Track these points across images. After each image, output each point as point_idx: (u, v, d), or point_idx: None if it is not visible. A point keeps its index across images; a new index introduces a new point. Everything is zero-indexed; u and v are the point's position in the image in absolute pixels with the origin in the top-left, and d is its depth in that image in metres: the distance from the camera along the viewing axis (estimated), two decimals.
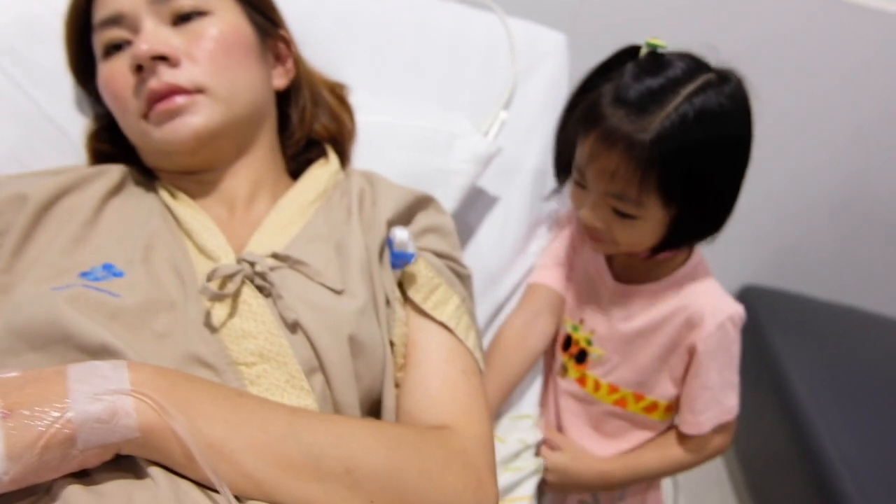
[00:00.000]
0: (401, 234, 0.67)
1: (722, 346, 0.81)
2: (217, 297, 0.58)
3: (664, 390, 0.86)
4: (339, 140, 0.84)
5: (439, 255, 0.71)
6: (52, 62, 0.79)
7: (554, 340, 0.94)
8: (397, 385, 0.66)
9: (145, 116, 0.67)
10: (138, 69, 0.66)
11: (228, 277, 0.59)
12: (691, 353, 0.82)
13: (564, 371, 0.92)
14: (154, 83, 0.65)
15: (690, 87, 0.69)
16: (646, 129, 0.69)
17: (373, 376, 0.62)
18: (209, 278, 0.58)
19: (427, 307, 0.67)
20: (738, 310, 0.82)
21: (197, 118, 0.66)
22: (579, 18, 1.29)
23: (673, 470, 0.89)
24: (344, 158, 0.85)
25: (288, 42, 0.80)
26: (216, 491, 0.46)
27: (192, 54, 0.67)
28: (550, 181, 0.99)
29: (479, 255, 0.91)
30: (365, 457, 0.52)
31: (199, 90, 0.67)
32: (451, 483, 0.55)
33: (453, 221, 0.78)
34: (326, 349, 0.59)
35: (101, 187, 0.69)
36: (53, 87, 0.81)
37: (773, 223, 1.54)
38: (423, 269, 0.69)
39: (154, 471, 0.46)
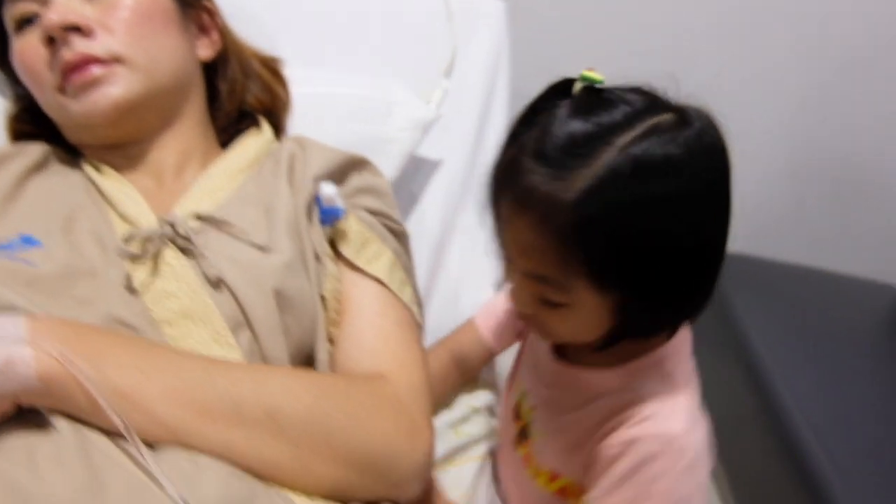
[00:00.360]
0: (328, 189, 0.65)
1: (638, 474, 0.58)
2: (135, 259, 0.57)
3: None
4: (272, 111, 0.83)
5: (373, 212, 0.70)
6: None
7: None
8: (331, 340, 0.64)
9: (62, 90, 0.66)
10: (50, 41, 0.65)
11: (147, 239, 0.58)
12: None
13: (517, 443, 0.75)
14: (68, 54, 0.64)
15: (629, 135, 0.52)
16: (568, 189, 0.52)
17: (303, 331, 0.61)
18: (127, 241, 0.57)
19: (360, 263, 0.66)
20: (691, 438, 0.59)
21: (115, 88, 0.65)
22: None
23: None
24: (279, 130, 0.84)
25: (212, 13, 0.79)
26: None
27: (107, 24, 0.66)
28: (492, 147, 0.99)
29: (422, 221, 0.90)
30: (288, 402, 0.51)
31: (116, 60, 0.65)
32: (382, 427, 0.54)
33: (393, 189, 0.77)
34: (252, 305, 0.57)
35: (20, 165, 0.68)
36: None
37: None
38: (354, 225, 0.68)
39: (58, 421, 0.44)
